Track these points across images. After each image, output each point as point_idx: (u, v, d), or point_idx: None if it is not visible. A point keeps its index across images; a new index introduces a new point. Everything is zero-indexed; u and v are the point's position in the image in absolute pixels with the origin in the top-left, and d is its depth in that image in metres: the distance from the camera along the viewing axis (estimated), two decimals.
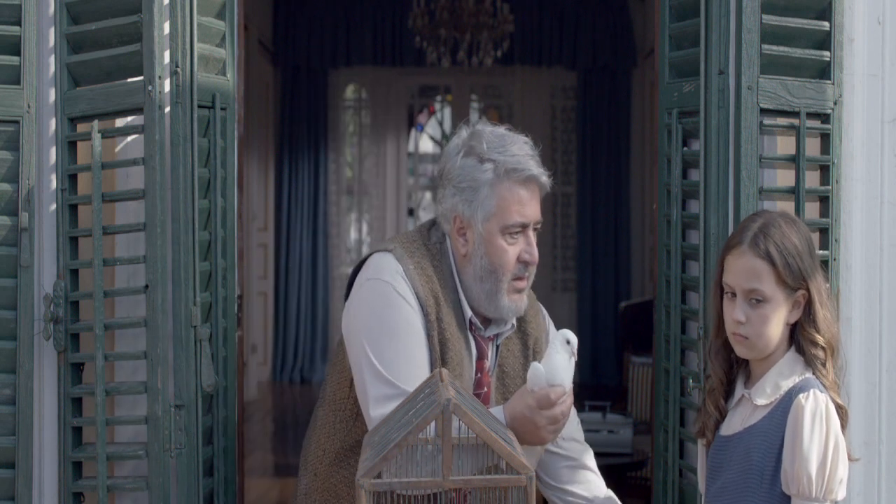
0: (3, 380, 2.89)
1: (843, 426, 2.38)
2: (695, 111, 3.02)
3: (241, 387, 3.36)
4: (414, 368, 2.49)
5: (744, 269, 2.37)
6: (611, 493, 2.78)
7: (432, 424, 1.95)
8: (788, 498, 2.32)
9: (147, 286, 2.85)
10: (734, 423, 2.44)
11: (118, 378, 3.00)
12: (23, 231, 2.89)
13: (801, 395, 2.32)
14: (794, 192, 2.96)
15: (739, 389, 2.47)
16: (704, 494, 2.51)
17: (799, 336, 2.40)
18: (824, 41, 2.99)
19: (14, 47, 2.90)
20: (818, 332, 2.38)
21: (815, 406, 2.31)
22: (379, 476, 1.93)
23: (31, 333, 2.89)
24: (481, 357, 2.67)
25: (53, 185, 2.94)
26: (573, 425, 2.73)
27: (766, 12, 2.93)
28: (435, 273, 2.61)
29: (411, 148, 11.11)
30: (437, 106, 11.34)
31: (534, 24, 10.11)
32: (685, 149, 3.11)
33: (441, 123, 11.32)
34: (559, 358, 2.40)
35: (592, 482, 2.76)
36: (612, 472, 5.08)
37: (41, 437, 2.94)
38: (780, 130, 2.99)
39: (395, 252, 2.61)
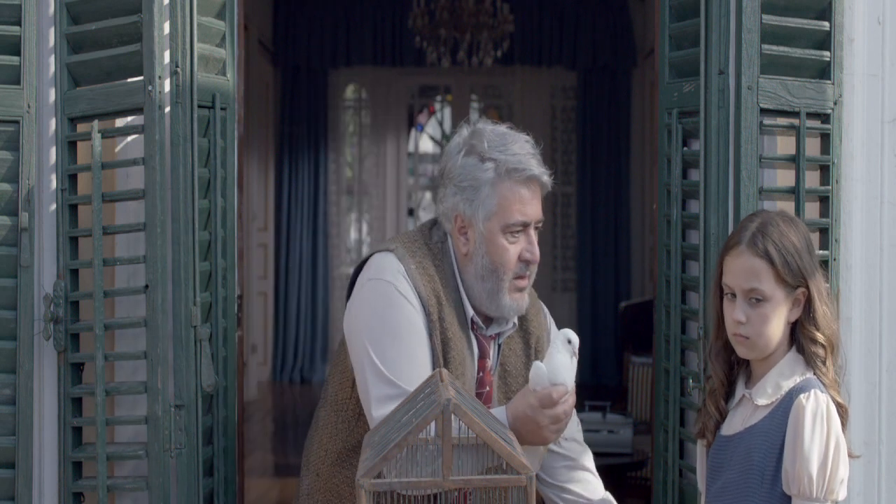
0: (3, 380, 2.89)
1: (844, 424, 2.38)
2: (695, 111, 3.02)
3: (241, 387, 3.36)
4: (416, 368, 2.48)
5: (743, 268, 2.37)
6: (608, 495, 2.77)
7: (432, 424, 1.95)
8: (789, 498, 2.32)
9: (147, 286, 2.85)
10: (735, 423, 2.44)
11: (118, 378, 3.00)
12: (23, 231, 2.89)
13: (801, 396, 2.32)
14: (794, 192, 2.96)
15: (740, 389, 2.47)
16: (705, 494, 2.51)
17: (799, 334, 2.40)
18: (824, 41, 2.99)
19: (14, 47, 2.90)
20: (818, 329, 2.38)
21: (816, 406, 2.31)
22: (379, 476, 1.93)
23: (31, 333, 2.89)
24: (483, 356, 2.67)
25: (53, 185, 2.94)
26: (573, 426, 2.73)
27: (766, 12, 2.93)
28: (437, 272, 2.61)
29: (411, 148, 11.10)
30: (437, 106, 11.34)
31: (534, 24, 10.11)
32: (685, 149, 3.11)
33: (441, 123, 11.32)
34: (561, 357, 2.41)
35: (591, 483, 2.76)
36: (612, 472, 5.08)
37: (41, 437, 2.94)
38: (780, 130, 2.99)
39: (397, 252, 2.61)
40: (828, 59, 2.98)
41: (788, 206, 2.93)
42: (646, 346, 6.17)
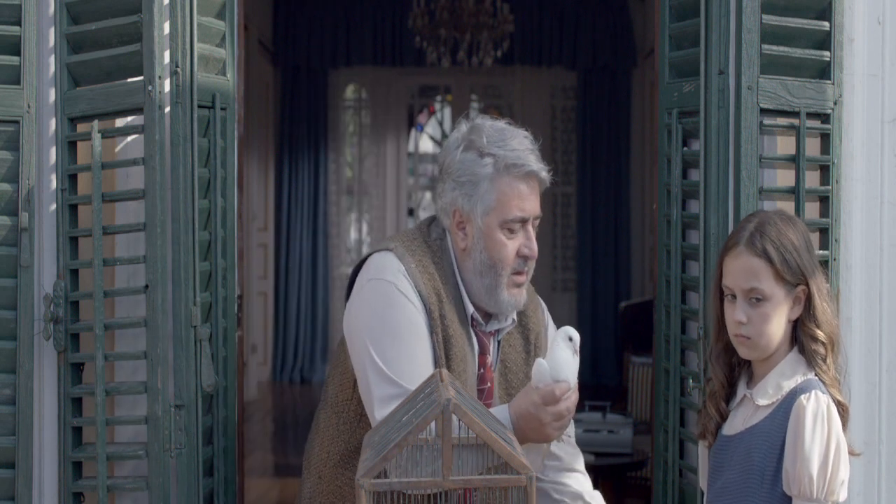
0: (3, 380, 2.89)
1: (845, 423, 2.38)
2: (695, 111, 3.02)
3: (241, 387, 3.36)
4: (417, 367, 2.48)
5: (742, 268, 2.37)
6: (598, 494, 2.77)
7: (432, 424, 1.95)
8: (789, 499, 2.32)
9: (147, 286, 2.85)
10: (736, 423, 2.44)
11: (118, 378, 3.00)
12: (23, 231, 2.89)
13: (802, 396, 2.32)
14: (794, 192, 2.96)
15: (742, 389, 2.47)
16: (706, 493, 2.51)
17: (800, 332, 2.40)
18: (824, 41, 2.99)
19: (14, 47, 2.90)
20: (818, 327, 2.38)
21: (817, 407, 2.31)
22: (379, 476, 1.93)
23: (31, 333, 2.89)
24: (483, 352, 2.67)
25: (53, 185, 2.94)
26: (570, 427, 2.73)
27: (766, 12, 2.93)
28: (436, 270, 2.61)
29: (411, 148, 11.11)
30: (437, 106, 11.34)
31: (534, 24, 10.12)
32: (685, 149, 3.11)
33: (441, 123, 11.32)
34: (563, 354, 2.41)
35: (580, 481, 2.75)
36: (612, 472, 5.09)
37: (41, 437, 2.94)
38: (780, 130, 2.99)
39: (396, 251, 2.61)
40: (828, 59, 2.98)
41: (788, 206, 2.93)
42: (646, 346, 6.17)
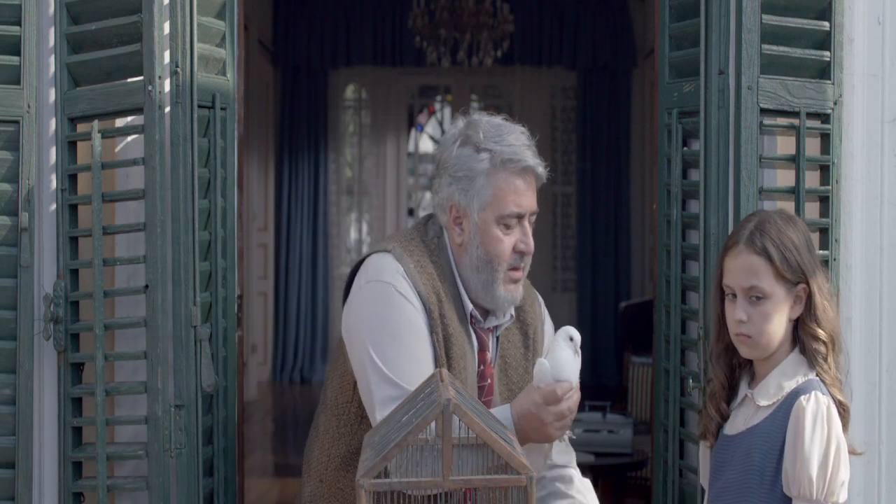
0: (3, 380, 2.89)
1: (845, 423, 2.38)
2: (695, 111, 3.02)
3: (241, 387, 3.36)
4: (418, 368, 2.48)
5: (742, 267, 2.38)
6: (588, 482, 2.77)
7: (432, 424, 1.95)
8: (789, 499, 2.32)
9: (147, 286, 2.85)
10: (737, 423, 2.44)
11: (118, 378, 3.00)
12: (23, 231, 2.89)
13: (802, 397, 2.32)
14: (794, 192, 2.96)
15: (743, 389, 2.47)
16: (708, 492, 2.51)
17: (800, 331, 2.40)
18: (824, 41, 2.99)
19: (14, 47, 2.90)
20: (819, 325, 2.38)
21: (817, 408, 2.31)
22: (379, 476, 1.93)
23: (31, 333, 2.88)
24: (483, 349, 2.67)
25: (53, 185, 2.94)
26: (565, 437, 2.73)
27: (766, 12, 2.92)
28: (435, 269, 2.61)
29: (411, 148, 11.11)
30: (437, 106, 11.34)
31: (534, 24, 10.12)
32: (685, 149, 3.11)
33: (441, 123, 11.32)
34: (564, 354, 2.41)
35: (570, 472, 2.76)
36: (612, 472, 5.09)
37: (41, 437, 2.94)
38: (780, 130, 2.99)
39: (394, 252, 2.61)
40: (828, 59, 2.98)
41: (788, 206, 2.93)
42: (646, 346, 6.17)
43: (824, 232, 2.99)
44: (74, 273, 2.94)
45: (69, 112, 2.93)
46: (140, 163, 2.87)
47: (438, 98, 11.25)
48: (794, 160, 2.96)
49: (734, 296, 2.40)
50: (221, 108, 3.03)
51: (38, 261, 2.93)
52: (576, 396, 2.44)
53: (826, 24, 2.98)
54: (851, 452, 2.38)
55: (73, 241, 2.94)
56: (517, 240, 2.61)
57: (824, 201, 3.01)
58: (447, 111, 11.19)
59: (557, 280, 10.54)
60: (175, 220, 2.86)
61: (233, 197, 3.10)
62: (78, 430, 2.94)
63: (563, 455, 2.75)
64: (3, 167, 2.90)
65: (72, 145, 2.95)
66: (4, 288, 2.89)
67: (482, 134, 2.60)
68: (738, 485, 2.38)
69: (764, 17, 2.92)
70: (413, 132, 11.15)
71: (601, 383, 9.65)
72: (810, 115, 2.97)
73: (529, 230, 2.63)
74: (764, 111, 2.93)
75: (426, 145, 11.36)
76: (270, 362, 10.24)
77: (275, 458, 7.53)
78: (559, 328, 2.50)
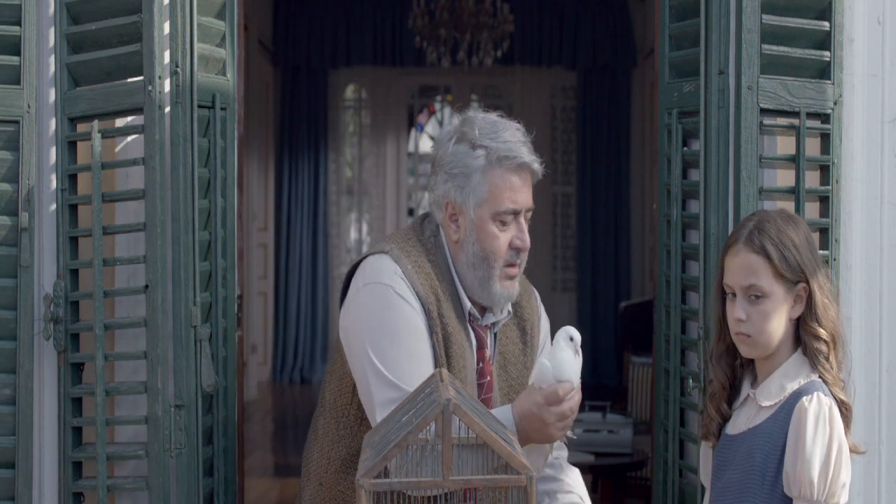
0: (3, 380, 2.89)
1: (847, 422, 2.38)
2: (695, 111, 3.02)
3: (241, 387, 3.36)
4: (418, 369, 2.48)
5: (741, 266, 2.38)
6: (576, 469, 2.78)
7: (432, 424, 1.95)
8: (789, 500, 2.32)
9: (147, 286, 2.85)
10: (739, 423, 2.44)
11: (118, 378, 3.00)
12: (23, 231, 2.89)
13: (804, 398, 2.32)
14: (794, 192, 2.96)
15: (745, 389, 2.47)
16: (709, 492, 2.51)
17: (802, 331, 2.40)
18: (824, 41, 2.99)
19: (14, 47, 2.90)
20: (820, 325, 2.38)
21: (819, 409, 2.31)
22: (379, 476, 1.93)
23: (31, 333, 2.88)
24: (481, 346, 2.67)
25: (53, 185, 2.94)
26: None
27: (766, 12, 2.92)
28: (432, 268, 2.61)
29: (411, 148, 11.11)
30: (437, 106, 11.34)
31: (534, 24, 10.12)
32: (685, 149, 3.11)
33: (441, 123, 11.32)
34: (565, 354, 2.41)
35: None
36: (612, 472, 5.09)
37: (41, 437, 2.94)
38: (780, 130, 2.99)
39: (392, 253, 2.61)
40: (828, 59, 2.98)
41: (788, 206, 2.92)
42: (646, 346, 6.17)
43: (824, 232, 2.99)
44: (74, 273, 2.94)
45: (69, 112, 2.93)
46: (140, 163, 2.87)
47: (438, 98, 11.25)
48: (794, 160, 2.96)
49: (734, 295, 2.40)
50: (221, 108, 3.03)
51: (38, 261, 2.93)
52: (577, 397, 2.44)
53: (826, 24, 2.98)
54: (854, 451, 2.38)
55: (73, 241, 2.94)
56: (513, 236, 2.61)
57: (824, 201, 3.00)
58: (447, 111, 11.19)
59: (557, 280, 10.54)
60: (175, 220, 2.86)
61: (233, 197, 3.10)
62: (78, 430, 2.94)
63: (557, 450, 2.76)
64: (3, 167, 2.90)
65: (72, 145, 2.95)
66: (4, 288, 2.89)
67: (478, 131, 2.60)
68: (740, 485, 2.38)
69: (764, 17, 2.92)
70: (413, 132, 11.15)
71: (601, 383, 9.65)
72: (810, 115, 2.97)
73: (525, 227, 2.63)
74: (764, 111, 2.93)
75: (426, 145, 11.36)
76: (270, 362, 10.24)
77: (275, 458, 7.54)
78: (559, 328, 2.50)
